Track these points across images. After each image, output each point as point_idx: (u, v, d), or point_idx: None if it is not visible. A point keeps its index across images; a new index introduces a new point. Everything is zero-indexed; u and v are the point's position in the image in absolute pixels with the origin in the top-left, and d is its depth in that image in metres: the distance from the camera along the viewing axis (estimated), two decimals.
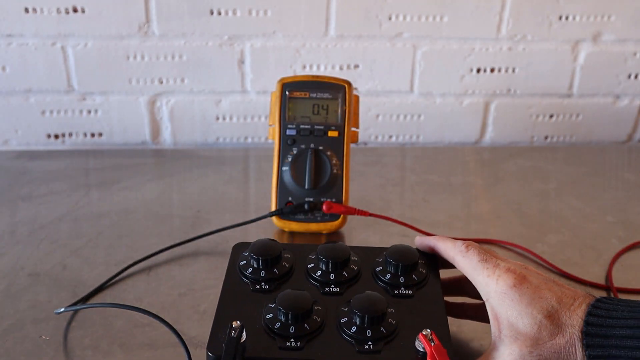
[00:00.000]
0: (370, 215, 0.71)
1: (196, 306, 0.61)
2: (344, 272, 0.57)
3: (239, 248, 0.61)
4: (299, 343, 0.49)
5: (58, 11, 0.89)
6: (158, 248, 0.69)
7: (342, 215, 0.72)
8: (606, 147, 1.04)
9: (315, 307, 0.52)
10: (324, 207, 0.70)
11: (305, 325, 0.51)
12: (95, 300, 0.62)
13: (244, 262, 0.58)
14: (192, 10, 0.91)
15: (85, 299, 0.61)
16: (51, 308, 0.59)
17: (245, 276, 0.57)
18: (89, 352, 0.55)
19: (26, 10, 0.89)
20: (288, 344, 0.49)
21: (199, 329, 0.57)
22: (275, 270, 0.57)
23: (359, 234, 0.74)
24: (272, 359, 0.49)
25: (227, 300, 0.55)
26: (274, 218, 0.72)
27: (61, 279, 0.65)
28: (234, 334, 0.48)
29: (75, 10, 0.90)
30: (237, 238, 0.65)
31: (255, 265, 0.57)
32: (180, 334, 0.54)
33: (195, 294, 0.63)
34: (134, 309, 0.58)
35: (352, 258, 0.58)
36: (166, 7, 0.90)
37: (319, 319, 0.51)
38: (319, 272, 0.57)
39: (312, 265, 0.58)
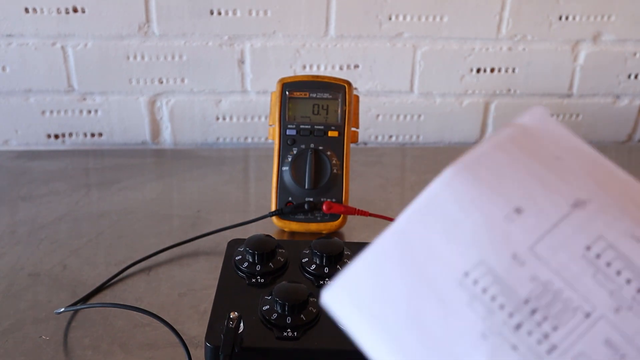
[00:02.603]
0: (370, 215, 0.71)
1: (196, 306, 0.61)
2: (338, 266, 0.58)
3: (234, 244, 0.62)
4: (295, 333, 0.50)
5: (58, 11, 0.89)
6: (158, 248, 0.69)
7: (342, 215, 0.72)
8: (606, 147, 1.04)
9: (311, 299, 0.53)
10: (324, 207, 0.70)
11: (302, 316, 0.51)
12: (95, 300, 0.62)
13: (240, 257, 0.59)
14: (192, 10, 0.91)
15: (85, 299, 0.61)
16: (51, 308, 0.59)
17: (241, 270, 0.58)
18: (89, 352, 0.55)
19: (26, 10, 0.89)
20: (285, 334, 0.50)
21: (199, 329, 0.57)
22: (270, 264, 0.58)
23: (359, 234, 0.74)
24: (269, 348, 0.50)
25: (223, 294, 0.56)
26: (274, 218, 0.72)
27: (61, 279, 0.64)
28: (232, 324, 0.49)
29: (75, 11, 0.90)
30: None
31: (250, 260, 0.58)
32: (180, 334, 0.54)
33: (195, 294, 0.63)
34: (134, 309, 0.58)
35: (346, 252, 0.60)
36: (166, 7, 0.90)
37: (314, 310, 0.52)
38: (313, 266, 0.58)
39: (307, 259, 0.59)
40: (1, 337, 0.56)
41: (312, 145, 0.72)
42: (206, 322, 0.52)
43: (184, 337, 0.54)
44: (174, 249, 0.69)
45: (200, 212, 0.78)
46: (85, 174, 0.89)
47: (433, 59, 0.97)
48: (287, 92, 0.72)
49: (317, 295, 0.55)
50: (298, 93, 0.73)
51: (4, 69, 0.93)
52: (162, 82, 0.96)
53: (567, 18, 0.96)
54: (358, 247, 0.62)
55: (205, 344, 0.49)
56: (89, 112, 0.97)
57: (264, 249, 0.58)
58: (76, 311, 0.59)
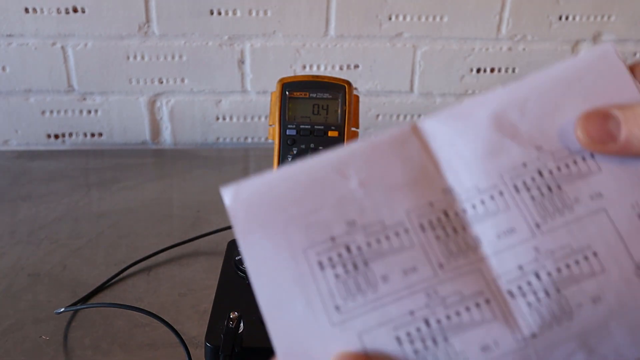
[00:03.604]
0: None
1: (196, 306, 0.61)
2: None
3: (234, 244, 0.62)
4: None
5: (58, 11, 0.89)
6: (158, 248, 0.69)
7: None
8: None
9: None
10: None
11: None
12: (95, 300, 0.62)
13: (240, 257, 0.59)
14: (192, 10, 0.91)
15: (85, 299, 0.61)
16: (51, 308, 0.59)
17: (241, 270, 0.58)
18: (89, 352, 0.55)
19: (26, 10, 0.89)
20: None
21: (199, 329, 0.57)
22: None
23: None
24: (269, 348, 0.50)
25: (223, 294, 0.56)
26: None
27: (61, 279, 0.64)
28: (232, 324, 0.49)
29: (75, 10, 0.90)
30: None
31: None
32: (180, 334, 0.54)
33: (195, 294, 0.63)
34: (134, 309, 0.58)
35: None
36: (166, 7, 0.90)
37: None
38: None
39: None
40: (1, 337, 0.56)
41: (312, 145, 0.72)
42: (206, 322, 0.52)
43: (184, 337, 0.54)
44: (174, 249, 0.69)
45: (200, 212, 0.78)
46: (85, 174, 0.89)
47: (433, 59, 0.97)
48: (287, 92, 0.72)
49: None
50: (298, 93, 0.73)
51: (4, 69, 0.93)
52: (162, 82, 0.96)
53: (567, 18, 0.96)
54: None
55: (205, 344, 0.49)
56: (89, 112, 0.97)
57: None
58: (76, 311, 0.59)
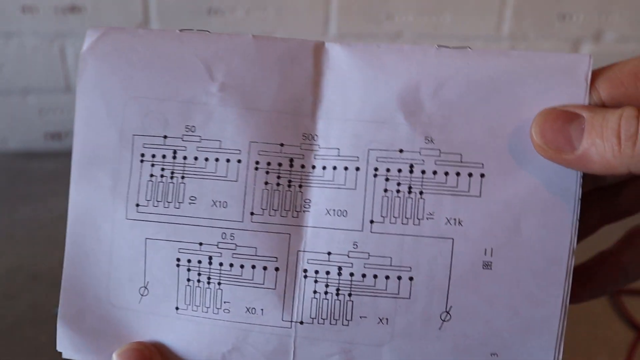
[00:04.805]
0: None
1: None
2: None
3: None
4: None
5: (56, 10, 0.89)
6: None
7: None
8: None
9: None
10: None
11: None
12: None
13: None
14: (191, 9, 0.90)
15: None
16: (50, 309, 0.59)
17: None
18: None
19: (23, 9, 0.88)
20: None
21: None
22: None
23: None
24: None
25: None
26: None
27: (60, 280, 0.64)
28: None
29: (73, 9, 0.89)
30: None
31: None
32: None
33: None
34: None
35: None
36: (165, 6, 0.90)
37: None
38: None
39: None
40: (0, 337, 0.56)
41: None
42: None
43: None
44: None
45: None
46: None
47: None
48: None
49: None
50: None
51: (1, 68, 0.92)
52: None
53: (570, 17, 0.95)
54: None
55: None
56: None
57: None
58: None
